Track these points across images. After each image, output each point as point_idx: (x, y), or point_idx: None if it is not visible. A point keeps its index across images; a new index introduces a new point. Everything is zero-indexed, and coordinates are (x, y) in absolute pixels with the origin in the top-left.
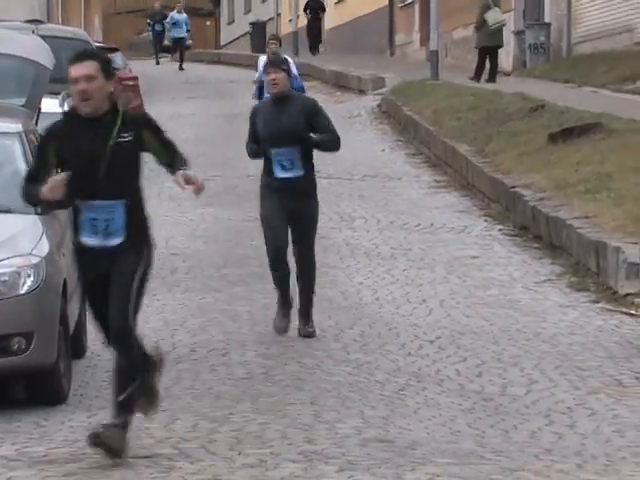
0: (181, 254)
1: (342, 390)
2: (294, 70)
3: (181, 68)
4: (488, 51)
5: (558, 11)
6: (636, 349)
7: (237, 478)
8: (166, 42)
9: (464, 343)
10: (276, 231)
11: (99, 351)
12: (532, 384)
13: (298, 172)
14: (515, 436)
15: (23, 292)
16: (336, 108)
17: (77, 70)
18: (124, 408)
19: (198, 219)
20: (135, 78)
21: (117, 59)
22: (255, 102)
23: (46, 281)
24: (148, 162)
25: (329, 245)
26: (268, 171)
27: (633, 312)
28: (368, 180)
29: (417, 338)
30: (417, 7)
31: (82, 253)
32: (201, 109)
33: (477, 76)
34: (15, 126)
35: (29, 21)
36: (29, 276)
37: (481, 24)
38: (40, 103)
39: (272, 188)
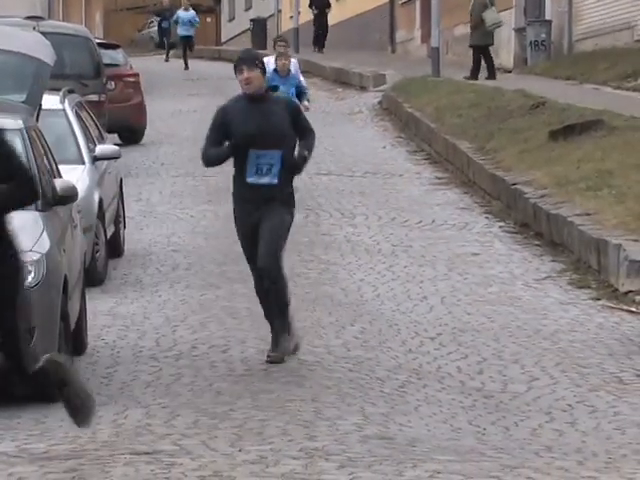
0: (182, 250)
1: (343, 387)
2: (296, 71)
3: (187, 67)
4: (482, 50)
5: (559, 8)
6: (637, 346)
7: (238, 474)
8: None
9: (465, 340)
10: (252, 254)
11: (99, 348)
12: (533, 381)
13: (272, 179)
14: (516, 433)
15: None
16: (337, 105)
17: None
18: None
19: (199, 216)
20: (136, 75)
21: (118, 56)
22: None
23: (47, 277)
24: (148, 160)
25: (330, 242)
26: (239, 175)
27: (634, 309)
28: (369, 177)
29: (418, 335)
30: (418, 4)
31: None
32: (202, 106)
33: (474, 75)
34: (16, 122)
35: (30, 17)
36: (30, 272)
37: (478, 23)
38: (41, 99)
39: (242, 197)
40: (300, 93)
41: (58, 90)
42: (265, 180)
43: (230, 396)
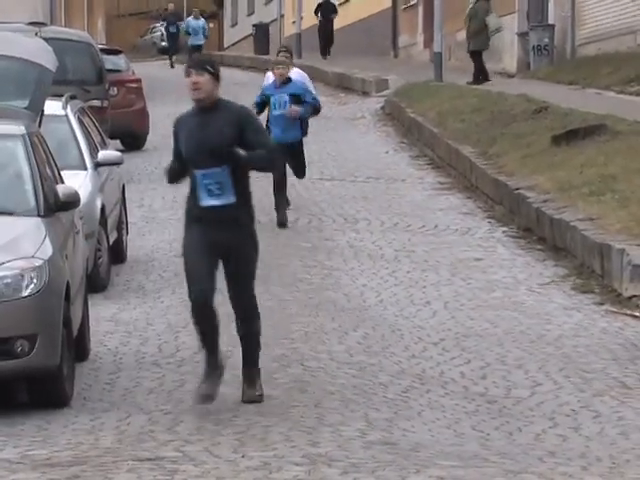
0: None
1: (346, 392)
2: (303, 80)
3: None
4: (479, 54)
5: (562, 13)
6: None
7: None
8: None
9: (468, 345)
10: (198, 273)
11: (102, 354)
12: (536, 386)
13: (228, 199)
14: (519, 438)
15: (26, 295)
16: (340, 110)
17: None
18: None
19: None
20: (138, 80)
21: (120, 61)
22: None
23: (49, 284)
24: (150, 166)
25: (332, 247)
26: (193, 196)
27: (637, 314)
28: (372, 182)
29: (421, 340)
30: (420, 9)
31: None
32: None
33: (476, 80)
34: (18, 128)
35: (32, 23)
36: (32, 279)
37: (482, 28)
38: (43, 105)
39: (194, 217)
40: (302, 101)
41: (60, 96)
42: (221, 201)
43: (233, 402)
